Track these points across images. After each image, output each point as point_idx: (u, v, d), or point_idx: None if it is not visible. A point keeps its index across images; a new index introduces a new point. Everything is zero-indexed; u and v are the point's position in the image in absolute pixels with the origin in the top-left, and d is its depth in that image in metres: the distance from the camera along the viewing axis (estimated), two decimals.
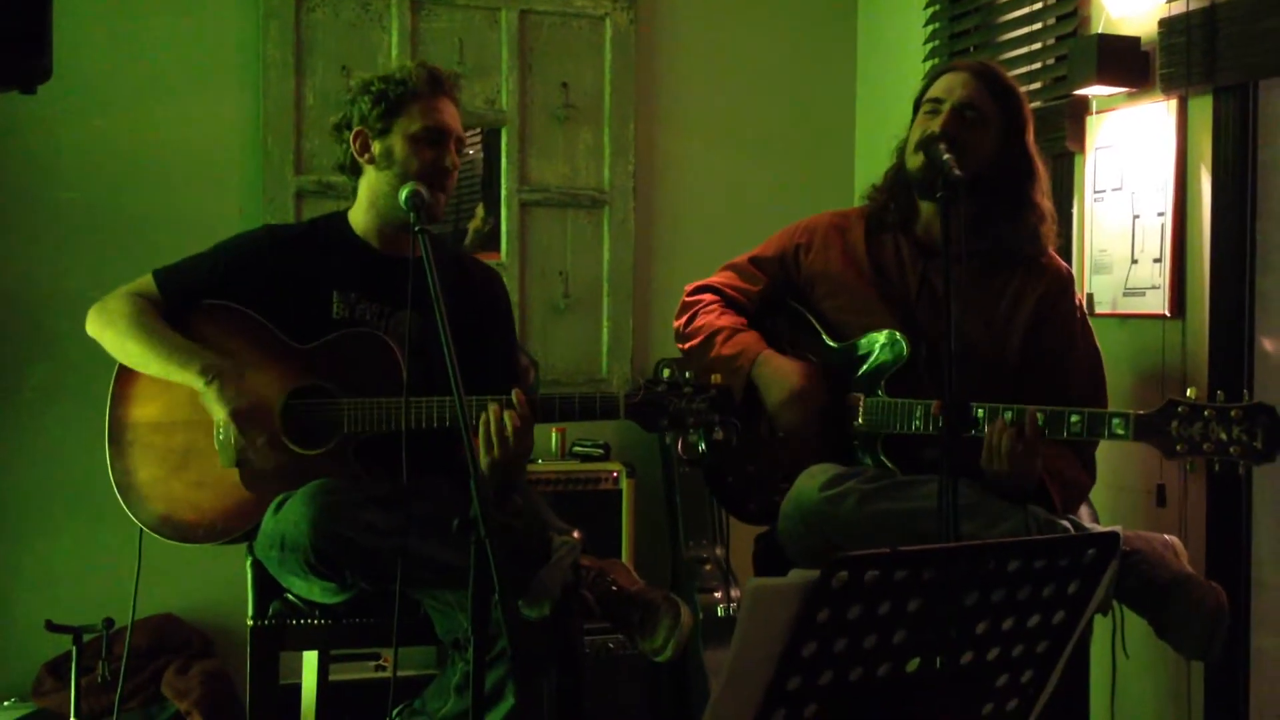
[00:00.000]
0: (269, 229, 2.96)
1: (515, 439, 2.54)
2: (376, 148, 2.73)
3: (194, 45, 3.86)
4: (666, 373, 2.63)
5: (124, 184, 3.80)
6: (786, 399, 2.73)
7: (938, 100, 2.72)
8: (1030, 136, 2.77)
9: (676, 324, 2.97)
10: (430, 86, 2.73)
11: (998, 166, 2.71)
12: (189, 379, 2.61)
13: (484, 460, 2.53)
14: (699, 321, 2.90)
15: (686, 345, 2.91)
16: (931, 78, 2.81)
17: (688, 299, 2.99)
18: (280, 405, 2.68)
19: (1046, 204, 2.79)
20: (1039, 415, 2.46)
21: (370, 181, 2.77)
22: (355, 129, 2.74)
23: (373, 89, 2.73)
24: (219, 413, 2.59)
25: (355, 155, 2.76)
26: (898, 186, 2.83)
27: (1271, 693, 2.91)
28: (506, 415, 2.53)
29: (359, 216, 2.82)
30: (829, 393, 2.76)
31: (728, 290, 2.96)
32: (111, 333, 2.71)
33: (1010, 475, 2.49)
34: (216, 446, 2.67)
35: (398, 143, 2.71)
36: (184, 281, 2.77)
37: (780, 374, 2.74)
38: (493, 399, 2.57)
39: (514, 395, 2.56)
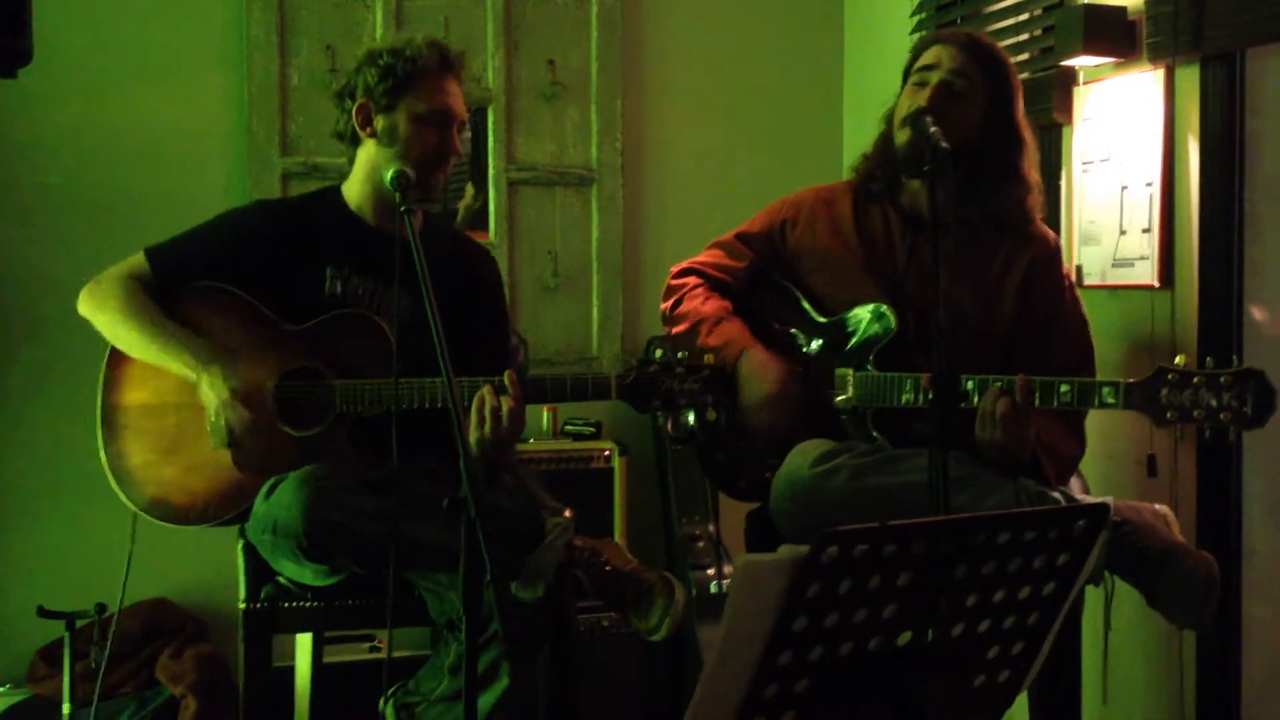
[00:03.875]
0: (261, 204, 2.95)
1: (509, 420, 2.53)
2: (380, 123, 2.71)
3: (177, 26, 3.84)
4: (658, 353, 2.63)
5: (108, 167, 3.78)
6: (761, 400, 2.71)
7: (926, 71, 2.71)
8: (1019, 107, 2.76)
9: (663, 307, 2.97)
10: (439, 66, 2.71)
11: (985, 137, 2.70)
12: (180, 368, 2.61)
13: (474, 439, 2.53)
14: (684, 307, 2.89)
15: (674, 330, 2.90)
16: (919, 49, 2.80)
17: (673, 282, 2.98)
18: (272, 387, 2.68)
19: (1034, 175, 2.78)
20: (1030, 382, 2.47)
21: (369, 155, 2.75)
22: (359, 100, 2.72)
23: (380, 61, 2.70)
24: (212, 400, 2.59)
25: (356, 127, 2.74)
26: (885, 157, 2.82)
27: (1263, 661, 2.92)
28: (502, 398, 2.53)
29: (354, 189, 2.81)
30: (808, 395, 2.76)
31: (712, 271, 2.95)
32: (104, 316, 2.70)
33: (1004, 443, 2.49)
34: (208, 429, 2.66)
35: (402, 121, 2.69)
36: (177, 259, 2.75)
37: (759, 374, 2.72)
38: (485, 380, 2.56)
39: (506, 377, 2.55)
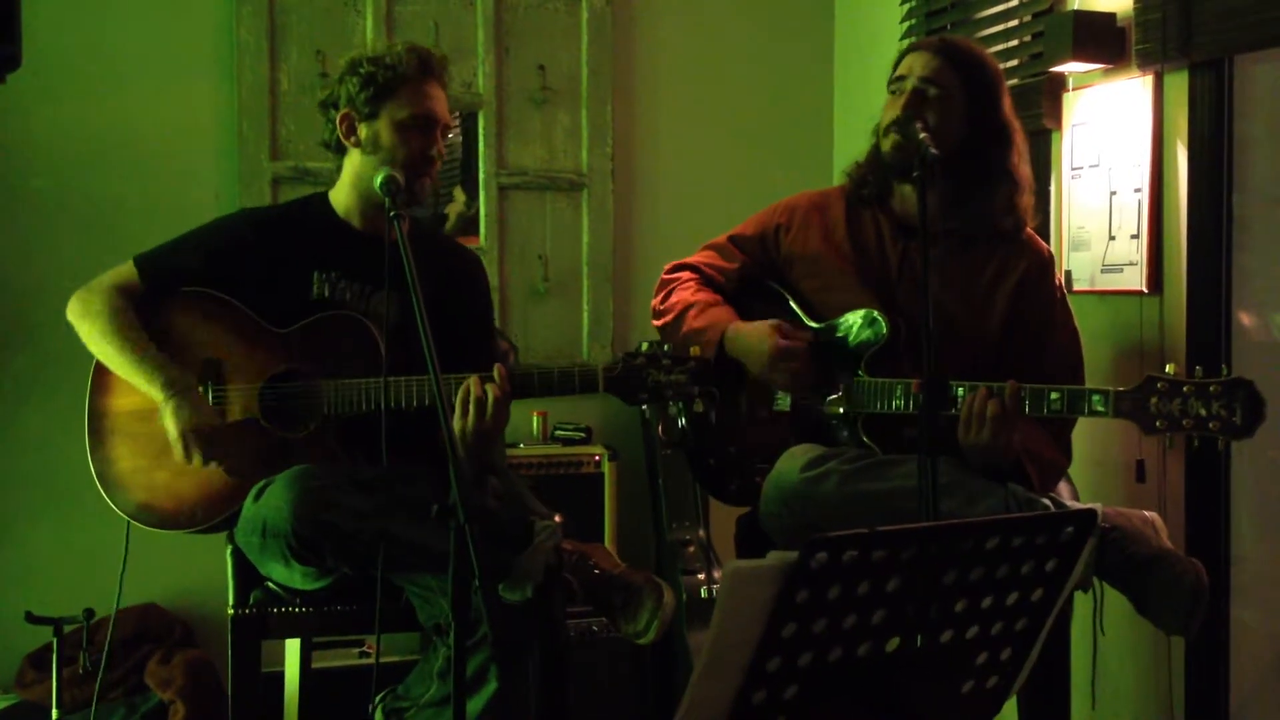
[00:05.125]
0: (247, 212, 2.96)
1: (493, 410, 2.53)
2: (363, 132, 2.72)
3: (167, 31, 3.84)
4: (644, 346, 2.63)
5: (98, 172, 3.78)
6: (769, 362, 2.71)
7: (901, 80, 2.72)
8: (1005, 104, 2.76)
9: (654, 301, 2.98)
10: (419, 71, 2.72)
11: (971, 138, 2.70)
12: (151, 392, 2.62)
13: (456, 428, 2.52)
14: (674, 298, 2.90)
15: (661, 321, 2.91)
16: (897, 59, 2.81)
17: (666, 276, 2.99)
18: (259, 390, 2.67)
19: (1024, 171, 2.77)
20: (1020, 388, 2.47)
21: (354, 164, 2.76)
22: (342, 110, 2.73)
23: (361, 70, 2.70)
24: (171, 431, 2.60)
25: (341, 137, 2.75)
26: (875, 166, 2.82)
27: (1251, 667, 2.92)
28: (487, 386, 2.53)
29: (341, 196, 2.81)
30: (805, 342, 2.76)
31: (705, 269, 2.96)
32: (88, 326, 2.71)
33: (990, 446, 2.49)
34: None
35: (384, 129, 2.70)
36: (165, 267, 2.76)
37: (753, 340, 2.73)
38: (473, 373, 2.56)
39: (496, 369, 2.55)
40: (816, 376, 2.74)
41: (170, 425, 2.60)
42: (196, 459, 2.60)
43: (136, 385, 2.65)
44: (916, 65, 2.71)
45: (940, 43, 2.77)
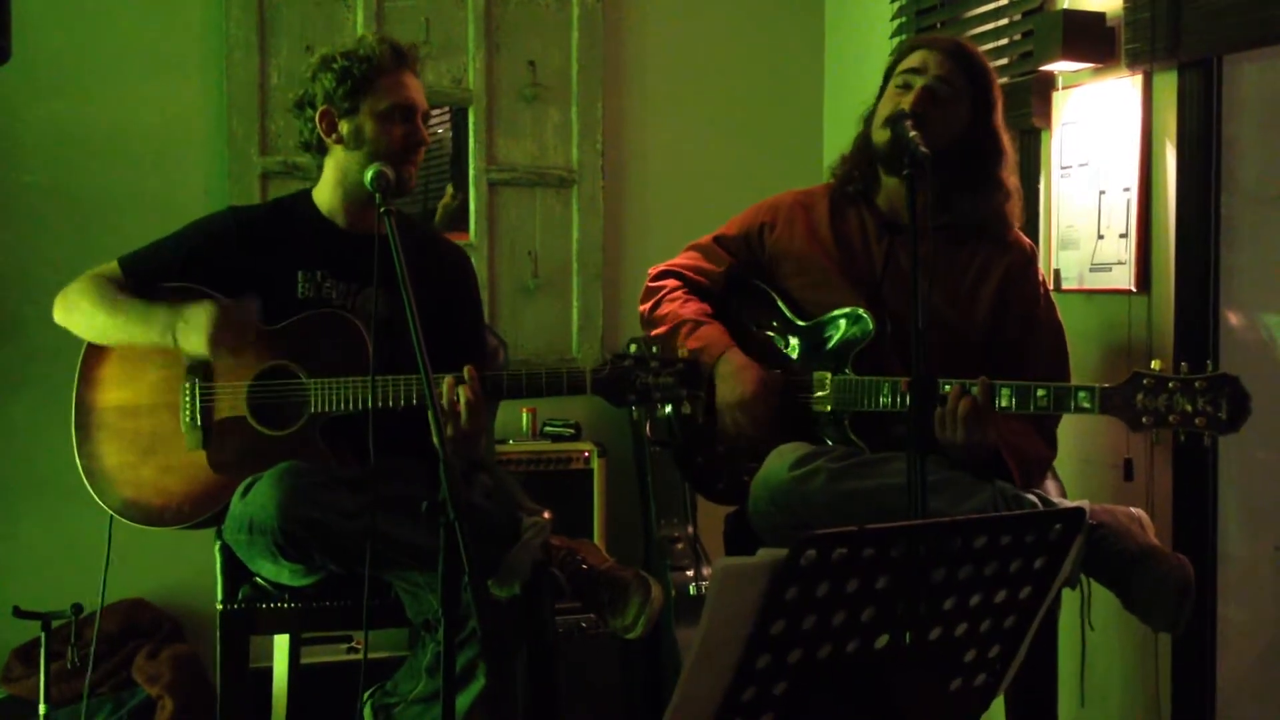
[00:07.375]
0: (233, 210, 2.94)
1: (468, 414, 2.53)
2: (345, 127, 2.71)
3: (156, 25, 3.82)
4: (633, 348, 2.63)
5: (87, 167, 3.76)
6: (735, 402, 2.73)
7: (911, 74, 2.72)
8: (999, 115, 2.78)
9: (641, 309, 2.97)
10: (394, 62, 2.72)
11: (965, 143, 2.71)
12: (153, 335, 2.62)
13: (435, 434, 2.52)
14: (663, 309, 2.90)
15: (653, 332, 2.90)
16: (904, 51, 2.81)
17: (651, 284, 2.98)
18: (247, 387, 2.67)
19: (1013, 181, 2.80)
20: (1003, 389, 2.47)
21: (339, 161, 2.75)
22: (320, 108, 2.72)
23: (335, 66, 2.69)
24: (198, 348, 2.60)
25: (322, 135, 2.74)
26: (862, 157, 2.83)
27: (1238, 664, 2.93)
28: (460, 390, 2.53)
29: (324, 195, 2.81)
30: (783, 405, 2.76)
31: (690, 274, 2.95)
32: (78, 315, 2.70)
33: (964, 443, 2.49)
34: (183, 429, 2.66)
35: (367, 122, 2.69)
36: (149, 266, 2.75)
37: (737, 378, 2.73)
38: (446, 374, 2.55)
39: (465, 371, 2.55)
40: (761, 450, 2.72)
41: (193, 343, 2.60)
42: (234, 344, 2.62)
43: (141, 339, 2.64)
44: (931, 62, 2.71)
45: (954, 44, 2.78)
